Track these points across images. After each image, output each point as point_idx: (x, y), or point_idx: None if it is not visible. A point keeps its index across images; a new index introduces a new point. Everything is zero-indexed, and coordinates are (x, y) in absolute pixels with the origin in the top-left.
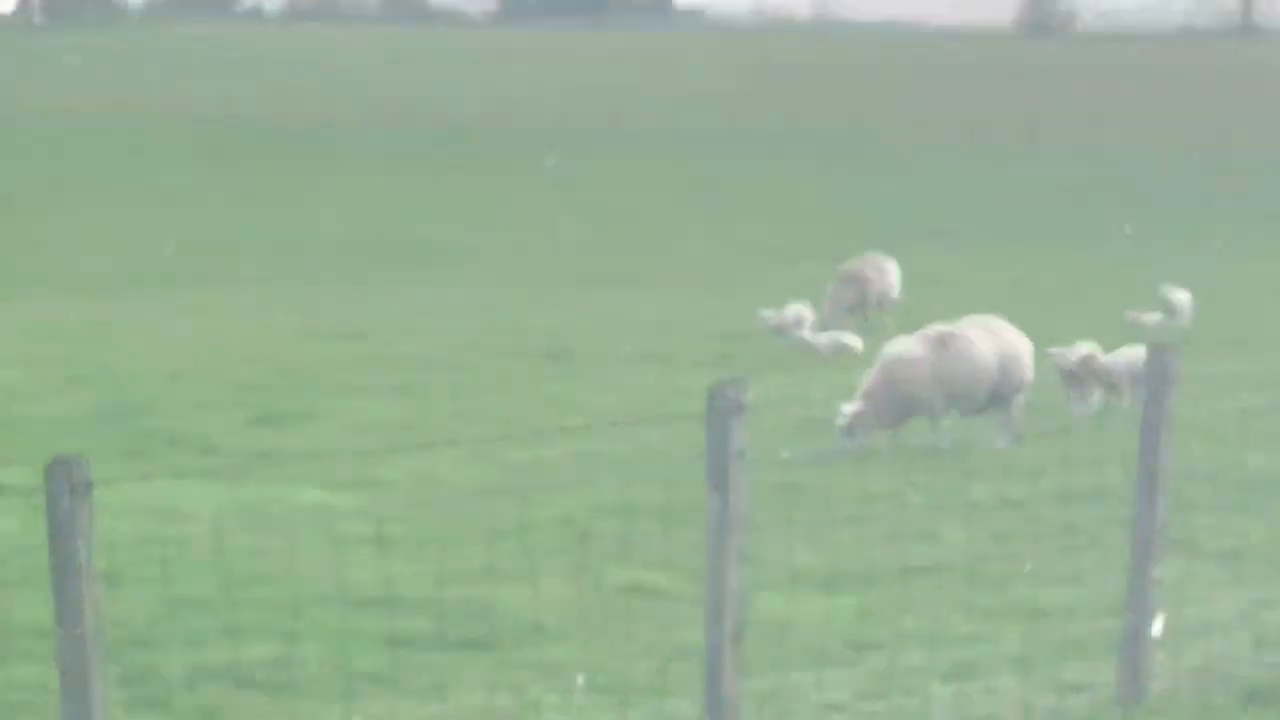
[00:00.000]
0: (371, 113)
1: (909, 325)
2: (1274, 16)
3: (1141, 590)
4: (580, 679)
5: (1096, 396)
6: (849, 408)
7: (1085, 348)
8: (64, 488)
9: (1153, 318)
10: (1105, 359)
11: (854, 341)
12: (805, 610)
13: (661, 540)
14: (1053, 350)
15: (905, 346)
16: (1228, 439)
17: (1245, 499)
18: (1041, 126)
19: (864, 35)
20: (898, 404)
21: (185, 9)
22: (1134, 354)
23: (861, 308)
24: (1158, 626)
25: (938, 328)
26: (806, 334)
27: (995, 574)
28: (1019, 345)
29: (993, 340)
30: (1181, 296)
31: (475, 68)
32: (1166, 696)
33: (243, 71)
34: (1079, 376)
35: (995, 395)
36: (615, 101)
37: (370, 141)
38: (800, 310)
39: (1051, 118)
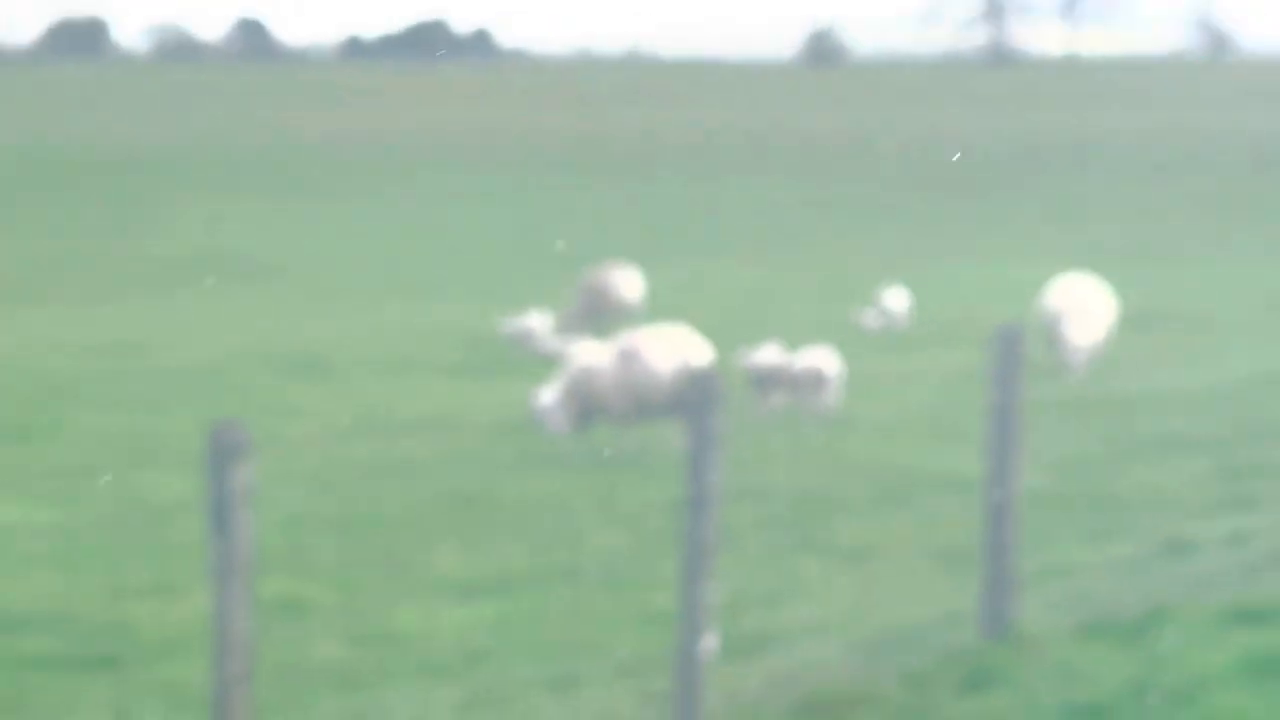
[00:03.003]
0: (224, 141)
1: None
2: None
3: (691, 608)
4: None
5: (778, 397)
6: (545, 397)
7: (770, 350)
8: None
9: (873, 317)
10: (779, 361)
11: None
12: (441, 622)
13: (331, 551)
14: (743, 352)
15: (592, 355)
16: (892, 436)
17: (893, 495)
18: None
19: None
20: (582, 407)
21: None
22: (813, 356)
23: (600, 315)
24: (709, 644)
25: (623, 338)
26: (547, 340)
27: (640, 578)
28: (698, 355)
29: (673, 351)
30: (898, 296)
31: (319, 100)
32: (718, 713)
33: (107, 108)
34: (762, 378)
35: (677, 402)
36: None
37: (221, 168)
38: (537, 317)
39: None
